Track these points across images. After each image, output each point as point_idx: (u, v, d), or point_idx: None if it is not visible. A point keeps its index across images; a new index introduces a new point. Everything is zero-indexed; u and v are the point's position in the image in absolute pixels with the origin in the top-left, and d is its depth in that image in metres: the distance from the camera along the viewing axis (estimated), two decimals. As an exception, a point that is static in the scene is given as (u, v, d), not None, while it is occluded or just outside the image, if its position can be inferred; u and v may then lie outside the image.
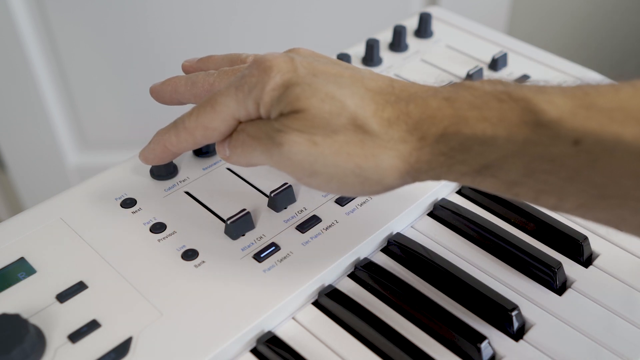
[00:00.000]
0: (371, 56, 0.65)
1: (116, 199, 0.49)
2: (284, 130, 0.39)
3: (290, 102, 0.39)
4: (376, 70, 0.65)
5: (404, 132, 0.38)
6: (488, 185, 0.37)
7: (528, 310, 0.45)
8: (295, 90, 0.39)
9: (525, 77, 0.65)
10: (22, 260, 0.44)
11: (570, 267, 0.48)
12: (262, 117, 0.41)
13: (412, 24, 0.72)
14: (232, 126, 0.43)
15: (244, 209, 0.47)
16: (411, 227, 0.51)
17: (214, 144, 0.54)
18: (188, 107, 0.46)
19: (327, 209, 0.49)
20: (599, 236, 0.51)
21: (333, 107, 0.38)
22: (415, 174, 0.39)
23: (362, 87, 0.40)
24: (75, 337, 0.39)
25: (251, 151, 0.41)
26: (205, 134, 0.43)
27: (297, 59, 0.41)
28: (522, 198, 0.37)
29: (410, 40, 0.70)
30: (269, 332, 0.43)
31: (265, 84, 0.40)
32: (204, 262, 0.45)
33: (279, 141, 0.39)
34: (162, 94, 0.50)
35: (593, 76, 0.65)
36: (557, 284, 0.46)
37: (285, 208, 0.49)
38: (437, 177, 0.39)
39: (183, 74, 0.52)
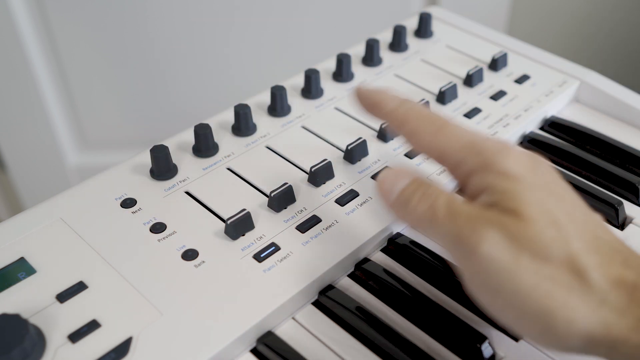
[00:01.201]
0: (371, 56, 0.65)
1: (116, 199, 0.49)
2: (493, 225, 0.33)
3: (516, 200, 0.34)
4: (376, 70, 0.65)
5: (626, 303, 0.32)
6: None
7: (528, 310, 0.45)
8: (526, 194, 0.34)
9: (525, 77, 0.65)
10: (22, 260, 0.44)
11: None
12: (466, 186, 0.37)
13: (412, 24, 0.72)
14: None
15: (244, 209, 0.47)
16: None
17: (213, 142, 0.54)
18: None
19: (327, 209, 0.49)
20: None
21: (557, 235, 0.33)
22: (613, 354, 0.32)
23: (598, 234, 0.34)
24: (75, 337, 0.39)
25: (432, 222, 0.35)
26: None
27: (542, 164, 0.36)
28: None
29: (410, 40, 0.70)
30: (269, 332, 0.43)
31: (499, 161, 0.35)
32: (204, 262, 0.45)
33: (480, 234, 0.33)
34: (368, 98, 0.43)
35: (593, 76, 0.65)
36: (557, 284, 0.46)
37: (285, 208, 0.49)
38: None
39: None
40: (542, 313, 0.32)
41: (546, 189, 0.35)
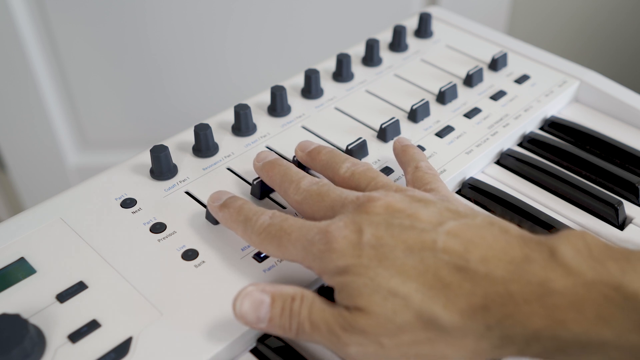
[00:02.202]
0: (371, 56, 0.65)
1: (116, 199, 0.49)
2: (349, 331, 0.36)
3: (352, 296, 0.37)
4: (376, 70, 0.65)
5: (483, 328, 0.34)
6: None
7: (528, 310, 0.45)
8: (357, 283, 0.36)
9: (525, 77, 0.65)
10: (22, 260, 0.44)
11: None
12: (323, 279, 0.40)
13: (412, 24, 0.72)
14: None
15: (244, 209, 0.47)
16: (411, 227, 0.51)
17: (213, 142, 0.54)
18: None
19: (327, 209, 0.49)
20: (598, 236, 0.51)
21: (396, 303, 0.35)
22: None
23: (433, 269, 0.35)
24: (75, 337, 0.39)
25: (303, 335, 0.39)
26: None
27: (365, 234, 0.38)
28: None
29: (410, 40, 0.70)
30: (269, 332, 0.43)
31: (327, 263, 0.38)
32: (204, 262, 0.45)
33: (345, 341, 0.37)
34: (257, 171, 0.49)
35: (593, 76, 0.65)
36: (557, 284, 0.46)
37: (285, 208, 0.49)
38: None
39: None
40: None
41: (374, 260, 0.37)
